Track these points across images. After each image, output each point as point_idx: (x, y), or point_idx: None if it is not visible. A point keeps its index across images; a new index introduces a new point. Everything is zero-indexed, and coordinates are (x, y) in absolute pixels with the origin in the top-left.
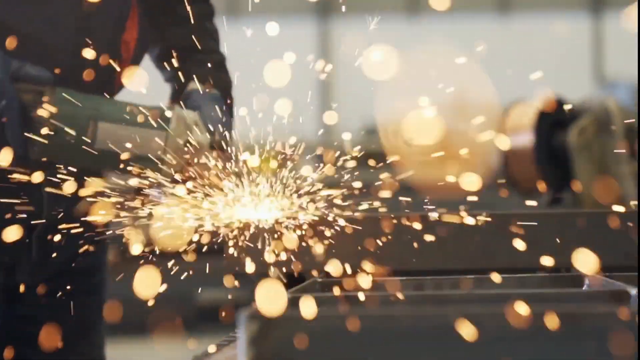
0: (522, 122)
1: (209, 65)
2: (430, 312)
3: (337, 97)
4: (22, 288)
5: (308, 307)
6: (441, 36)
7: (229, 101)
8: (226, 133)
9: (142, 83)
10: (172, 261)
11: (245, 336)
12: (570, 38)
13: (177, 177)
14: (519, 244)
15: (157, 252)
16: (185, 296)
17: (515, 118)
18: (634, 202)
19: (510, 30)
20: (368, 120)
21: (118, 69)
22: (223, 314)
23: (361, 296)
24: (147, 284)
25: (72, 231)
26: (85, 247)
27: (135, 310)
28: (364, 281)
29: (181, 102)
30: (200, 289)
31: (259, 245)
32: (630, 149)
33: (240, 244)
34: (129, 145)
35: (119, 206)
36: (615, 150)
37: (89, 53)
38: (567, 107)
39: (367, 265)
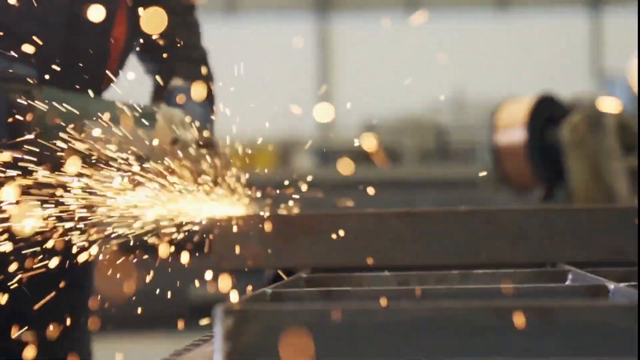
0: (515, 119)
1: (191, 60)
2: (408, 306)
3: (335, 92)
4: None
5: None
6: (439, 32)
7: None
8: (209, 130)
9: None
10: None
11: (221, 331)
12: (569, 35)
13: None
14: (505, 240)
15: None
16: (178, 292)
17: (508, 114)
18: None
19: (508, 27)
20: (366, 116)
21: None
22: None
23: (344, 292)
24: None
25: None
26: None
27: (126, 305)
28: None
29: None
30: (193, 285)
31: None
32: (622, 145)
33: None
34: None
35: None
36: (607, 147)
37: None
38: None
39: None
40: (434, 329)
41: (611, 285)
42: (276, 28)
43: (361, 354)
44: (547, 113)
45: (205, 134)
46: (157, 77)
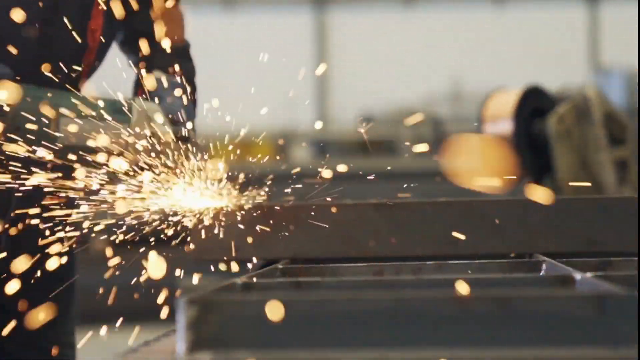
0: (502, 110)
1: (173, 51)
2: (368, 296)
3: (334, 86)
4: None
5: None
6: (437, 24)
7: (191, 90)
8: (188, 122)
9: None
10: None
11: (184, 321)
12: (567, 28)
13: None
14: (483, 231)
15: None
16: (168, 284)
17: (496, 106)
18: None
19: (506, 20)
20: (364, 109)
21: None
22: None
23: (314, 282)
24: None
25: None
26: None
27: (118, 297)
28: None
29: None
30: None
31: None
32: (609, 136)
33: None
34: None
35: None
36: (594, 138)
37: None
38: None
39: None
40: (394, 319)
41: (578, 276)
42: (274, 21)
43: (323, 343)
44: (534, 104)
45: (183, 127)
46: (139, 69)
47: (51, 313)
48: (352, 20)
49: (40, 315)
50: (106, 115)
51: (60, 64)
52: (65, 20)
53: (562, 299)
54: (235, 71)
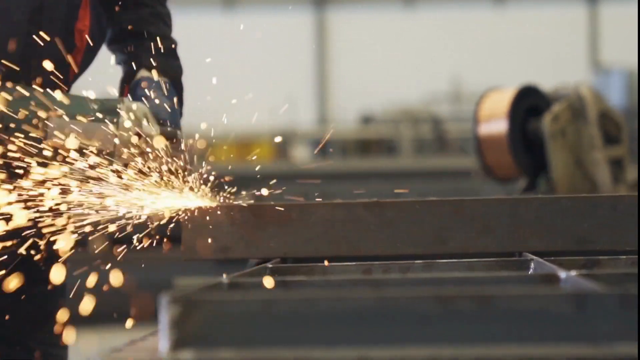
0: (497, 110)
1: (160, 51)
2: (350, 294)
3: (334, 86)
4: None
5: None
6: (437, 24)
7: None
8: (174, 121)
9: None
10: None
11: (167, 320)
12: (566, 27)
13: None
14: (473, 230)
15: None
16: (163, 285)
17: (491, 105)
18: None
19: (506, 19)
20: (364, 109)
21: (72, 58)
22: None
23: (300, 281)
24: None
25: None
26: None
27: (112, 298)
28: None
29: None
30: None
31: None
32: (604, 135)
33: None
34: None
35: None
36: (589, 137)
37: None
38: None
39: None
40: (377, 317)
41: (563, 274)
42: (274, 21)
43: (306, 342)
44: (529, 103)
45: (169, 126)
46: (126, 68)
47: (42, 313)
48: (352, 20)
49: (31, 315)
50: (94, 115)
51: (48, 64)
52: (51, 21)
53: (542, 297)
54: (236, 71)
